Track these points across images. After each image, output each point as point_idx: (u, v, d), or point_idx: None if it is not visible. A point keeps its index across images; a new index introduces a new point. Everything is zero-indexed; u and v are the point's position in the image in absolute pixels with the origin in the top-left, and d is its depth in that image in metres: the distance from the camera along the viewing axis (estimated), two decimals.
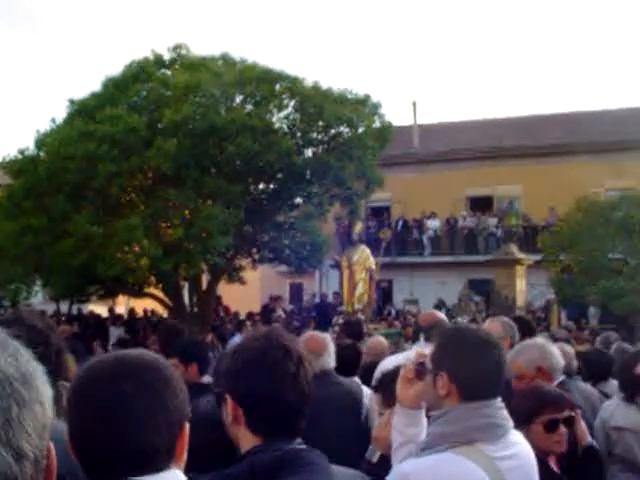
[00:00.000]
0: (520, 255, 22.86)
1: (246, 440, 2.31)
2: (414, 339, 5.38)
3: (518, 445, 2.86)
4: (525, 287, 23.07)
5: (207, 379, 5.49)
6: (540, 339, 5.09)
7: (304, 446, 2.32)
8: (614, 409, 5.40)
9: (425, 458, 2.72)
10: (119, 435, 1.67)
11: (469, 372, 2.82)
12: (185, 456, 1.75)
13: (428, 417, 2.98)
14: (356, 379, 5.98)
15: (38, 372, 1.14)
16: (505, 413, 2.85)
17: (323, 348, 5.18)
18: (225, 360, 2.44)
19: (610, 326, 18.10)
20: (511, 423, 2.87)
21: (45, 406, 1.12)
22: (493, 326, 5.77)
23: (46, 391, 1.15)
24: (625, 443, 5.15)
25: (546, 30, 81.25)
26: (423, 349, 3.15)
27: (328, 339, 5.41)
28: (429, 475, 2.67)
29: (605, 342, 8.97)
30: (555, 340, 9.00)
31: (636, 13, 71.13)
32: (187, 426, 1.76)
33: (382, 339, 7.99)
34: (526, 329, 6.52)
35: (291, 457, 2.22)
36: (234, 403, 2.32)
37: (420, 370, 2.93)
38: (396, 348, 10.14)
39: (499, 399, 2.84)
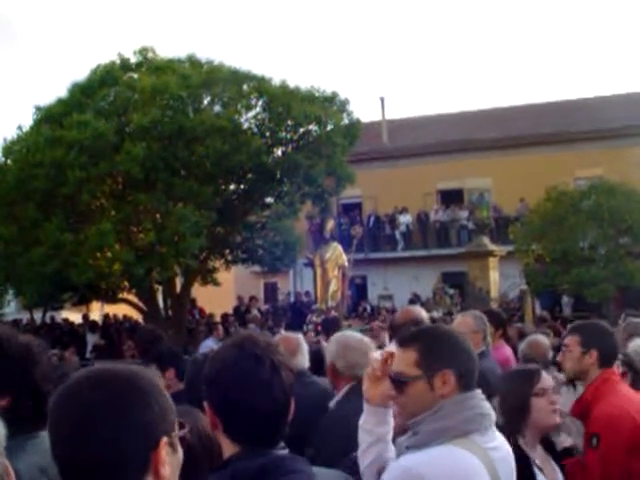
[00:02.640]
0: (492, 247, 22.97)
1: (226, 447, 2.31)
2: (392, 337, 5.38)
3: (500, 437, 2.87)
4: (498, 278, 23.18)
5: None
6: None
7: (287, 452, 2.31)
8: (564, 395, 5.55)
9: (424, 452, 2.69)
10: (86, 444, 1.66)
11: (468, 365, 2.84)
12: (166, 472, 1.71)
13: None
14: None
15: None
16: (488, 404, 2.85)
17: (297, 348, 5.20)
18: (205, 366, 2.43)
19: (583, 314, 18.23)
20: (494, 415, 2.86)
21: None
22: (465, 321, 5.79)
23: None
24: (565, 427, 5.23)
25: (511, 22, 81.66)
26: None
27: (301, 339, 5.43)
28: (431, 467, 2.63)
29: None
30: (524, 335, 8.97)
31: (606, 4, 71.71)
32: (164, 441, 1.71)
33: None
34: (497, 321, 6.55)
35: (274, 464, 2.20)
36: (211, 410, 2.32)
37: (400, 382, 2.83)
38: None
39: (480, 390, 2.86)
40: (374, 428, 3.01)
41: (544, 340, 7.20)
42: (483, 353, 5.75)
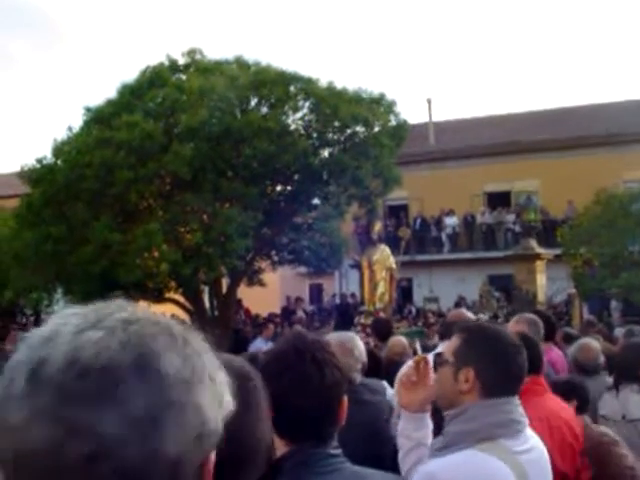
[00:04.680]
0: (539, 250, 22.75)
1: (276, 443, 2.29)
2: (442, 337, 5.46)
3: (532, 439, 2.89)
4: (545, 282, 22.96)
5: None
6: None
7: (338, 452, 2.27)
8: (605, 398, 5.75)
9: (450, 457, 2.71)
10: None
11: (497, 372, 2.84)
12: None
13: (437, 416, 3.00)
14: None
15: (205, 377, 1.06)
16: (522, 410, 2.87)
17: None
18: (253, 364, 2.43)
19: (633, 319, 18.03)
20: (527, 420, 2.89)
21: (204, 413, 1.04)
22: (519, 327, 5.72)
23: (206, 396, 1.06)
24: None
25: (558, 24, 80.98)
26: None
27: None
28: (456, 473, 2.65)
29: (628, 335, 8.89)
30: (572, 339, 8.82)
31: None
32: None
33: (402, 338, 7.98)
34: (546, 324, 6.51)
35: (316, 459, 2.19)
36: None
37: (436, 362, 2.95)
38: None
39: (517, 397, 2.87)
40: (412, 433, 3.09)
41: (595, 344, 7.12)
42: None
